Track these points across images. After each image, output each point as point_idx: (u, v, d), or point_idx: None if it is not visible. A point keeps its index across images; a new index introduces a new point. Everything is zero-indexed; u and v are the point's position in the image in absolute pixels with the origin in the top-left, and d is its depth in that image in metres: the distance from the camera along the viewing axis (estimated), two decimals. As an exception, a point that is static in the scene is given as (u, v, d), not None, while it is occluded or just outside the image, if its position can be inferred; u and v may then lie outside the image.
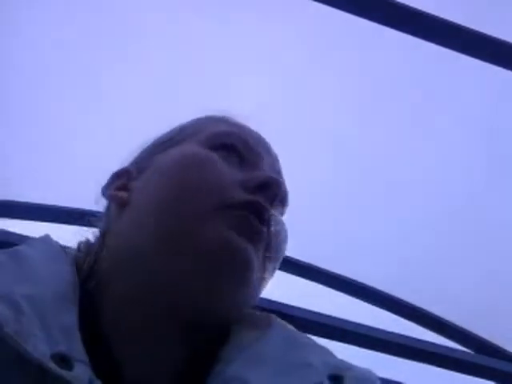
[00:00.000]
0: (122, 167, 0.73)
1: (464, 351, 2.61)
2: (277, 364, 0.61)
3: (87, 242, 0.69)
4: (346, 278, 2.66)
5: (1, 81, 2.22)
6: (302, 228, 2.56)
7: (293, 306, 2.15)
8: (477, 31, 1.89)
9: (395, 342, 2.31)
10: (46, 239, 0.68)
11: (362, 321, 2.34)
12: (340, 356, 0.66)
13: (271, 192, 0.65)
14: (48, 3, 2.20)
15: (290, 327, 0.68)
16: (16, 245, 0.66)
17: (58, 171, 2.35)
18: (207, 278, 0.60)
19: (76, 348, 0.54)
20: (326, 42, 2.31)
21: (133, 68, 2.30)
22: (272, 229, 0.65)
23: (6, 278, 0.58)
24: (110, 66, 2.29)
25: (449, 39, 1.91)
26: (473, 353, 2.63)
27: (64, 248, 0.68)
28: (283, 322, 0.68)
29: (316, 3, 1.90)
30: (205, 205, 0.62)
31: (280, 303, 2.09)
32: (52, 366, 0.51)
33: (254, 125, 0.75)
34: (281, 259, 0.69)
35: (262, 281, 0.66)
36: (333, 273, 2.65)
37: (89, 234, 0.70)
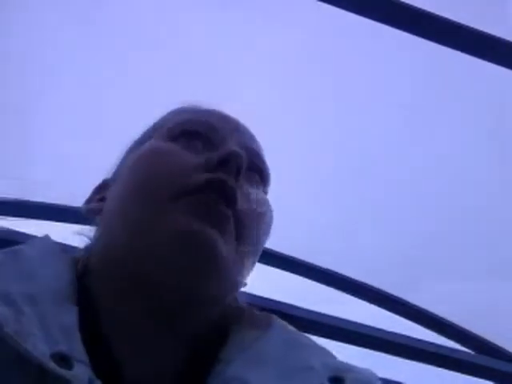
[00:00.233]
0: (102, 179, 0.73)
1: (464, 351, 2.62)
2: (277, 365, 0.61)
3: (86, 241, 0.69)
4: (346, 277, 2.66)
5: (1, 81, 2.22)
6: (302, 227, 2.57)
7: (293, 306, 2.15)
8: (477, 30, 1.89)
9: (395, 342, 2.31)
10: (45, 239, 0.68)
11: (362, 321, 2.34)
12: (340, 356, 0.66)
13: (232, 165, 0.61)
14: (48, 3, 2.20)
15: (290, 327, 0.67)
16: (12, 242, 0.65)
17: (57, 171, 2.35)
18: (172, 270, 0.58)
19: (76, 348, 0.54)
20: (327, 42, 2.31)
21: (133, 68, 2.29)
22: (243, 204, 0.62)
23: (5, 277, 0.58)
24: (110, 66, 2.29)
25: (449, 38, 1.91)
26: (473, 353, 2.64)
27: (64, 247, 0.68)
28: (283, 322, 0.68)
29: (316, 3, 1.90)
30: (163, 195, 0.60)
31: (280, 303, 2.09)
32: (52, 365, 0.51)
33: (247, 122, 0.73)
34: (262, 238, 0.66)
35: (240, 263, 0.63)
36: (333, 272, 2.65)
37: (85, 232, 0.70)
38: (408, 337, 2.37)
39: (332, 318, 2.23)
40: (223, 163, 0.61)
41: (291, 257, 2.57)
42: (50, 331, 0.54)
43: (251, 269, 0.67)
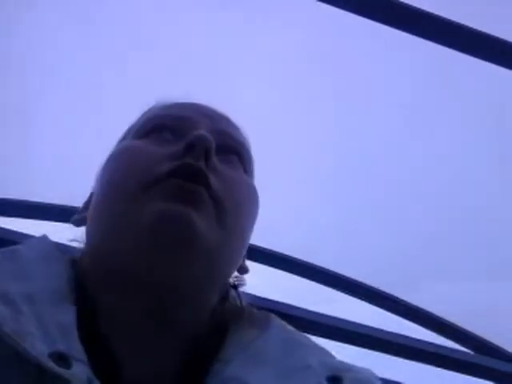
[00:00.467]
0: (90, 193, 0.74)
1: (463, 351, 2.61)
2: (276, 365, 0.60)
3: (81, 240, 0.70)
4: (346, 277, 2.66)
5: (1, 81, 2.22)
6: (302, 227, 2.57)
7: (292, 306, 2.15)
8: (477, 30, 1.89)
9: (395, 342, 2.31)
10: (43, 239, 0.68)
11: (362, 321, 2.34)
12: (340, 356, 0.66)
13: (199, 148, 0.60)
14: (48, 3, 2.20)
15: (289, 327, 0.67)
16: (11, 242, 0.66)
17: (57, 170, 2.35)
18: (151, 255, 0.58)
19: (74, 347, 0.54)
20: (327, 42, 2.31)
21: (133, 68, 2.29)
22: (219, 185, 0.61)
23: (3, 277, 0.58)
24: (110, 66, 2.29)
25: (449, 38, 1.91)
26: (472, 353, 2.64)
27: (62, 247, 0.68)
28: (282, 322, 0.67)
29: (316, 3, 1.90)
30: (133, 187, 0.60)
31: (280, 303, 2.09)
32: (50, 364, 0.51)
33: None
34: (246, 220, 0.64)
35: (225, 245, 0.61)
36: (333, 272, 2.65)
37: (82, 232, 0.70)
38: (407, 337, 2.37)
39: (332, 318, 2.23)
40: (190, 148, 0.60)
41: (291, 257, 2.57)
42: (48, 330, 0.54)
43: (240, 255, 0.66)
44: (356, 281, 2.68)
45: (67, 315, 0.57)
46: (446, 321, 2.71)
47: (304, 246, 2.56)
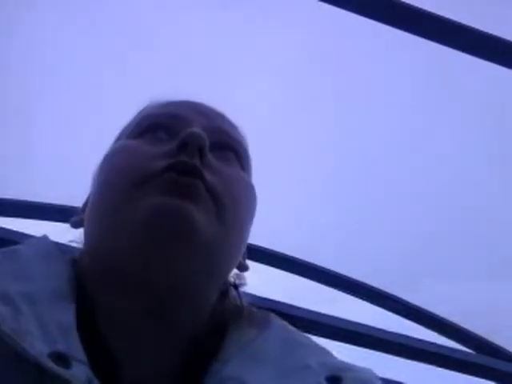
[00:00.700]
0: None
1: (464, 351, 2.61)
2: (275, 365, 0.60)
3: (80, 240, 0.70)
4: (346, 277, 2.66)
5: (1, 81, 2.22)
6: (302, 227, 2.57)
7: (293, 306, 2.15)
8: (477, 30, 1.89)
9: (396, 342, 2.31)
10: (43, 239, 0.68)
11: (362, 321, 2.34)
12: (341, 356, 0.66)
13: (193, 146, 0.59)
14: (48, 3, 2.20)
15: (289, 326, 0.67)
16: (11, 242, 0.65)
17: (57, 170, 2.35)
18: (146, 251, 0.57)
19: (74, 347, 0.54)
20: (327, 42, 2.30)
21: (133, 68, 2.29)
22: (216, 181, 0.60)
23: (3, 276, 0.58)
24: (110, 66, 2.29)
25: (449, 38, 1.91)
26: (473, 353, 2.63)
27: (62, 247, 0.68)
28: (282, 321, 0.67)
29: (317, 3, 1.89)
30: (126, 185, 0.60)
31: (280, 303, 2.09)
32: (50, 364, 0.51)
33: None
34: (244, 216, 0.64)
35: (226, 236, 0.60)
36: (334, 272, 2.65)
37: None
38: (408, 337, 2.37)
39: (332, 318, 2.23)
40: (183, 146, 0.60)
41: (291, 257, 2.57)
42: (47, 330, 0.54)
43: (239, 252, 0.65)
44: (357, 281, 2.68)
45: (67, 315, 0.56)
46: (447, 321, 2.71)
47: (304, 245, 2.56)
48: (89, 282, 0.62)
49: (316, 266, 2.62)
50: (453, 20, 1.88)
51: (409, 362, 2.38)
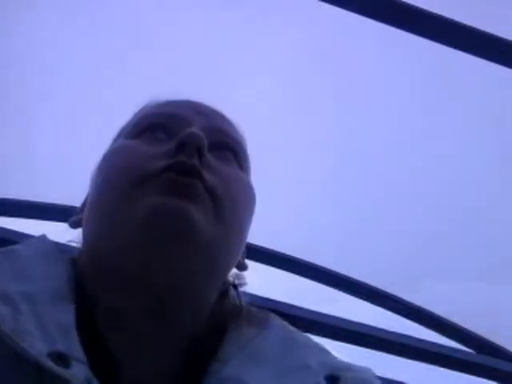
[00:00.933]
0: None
1: (465, 351, 2.61)
2: (274, 364, 0.60)
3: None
4: (346, 277, 2.66)
5: (1, 81, 2.22)
6: (302, 227, 2.57)
7: (293, 306, 2.15)
8: (477, 30, 1.89)
9: (396, 342, 2.31)
10: (42, 239, 0.68)
11: (362, 321, 2.34)
12: (341, 356, 0.66)
13: (191, 146, 0.59)
14: (48, 3, 2.20)
15: (289, 326, 0.67)
16: (11, 242, 0.65)
17: (57, 170, 2.35)
18: (145, 251, 0.57)
19: (73, 346, 0.54)
20: (327, 42, 2.30)
21: (133, 68, 2.29)
22: (215, 181, 0.60)
23: (2, 276, 0.58)
24: (110, 66, 2.29)
25: (449, 38, 1.91)
26: (474, 353, 2.63)
27: (62, 247, 0.68)
28: (281, 321, 0.67)
29: (317, 3, 1.89)
30: (125, 184, 0.60)
31: (280, 303, 2.09)
32: (49, 364, 0.51)
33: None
34: (243, 216, 0.64)
35: (224, 236, 0.60)
36: (334, 272, 2.65)
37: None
38: (409, 336, 2.37)
39: (332, 318, 2.23)
40: (182, 146, 0.60)
41: (291, 257, 2.57)
42: (47, 330, 0.54)
43: (238, 251, 0.65)
44: (357, 281, 2.68)
45: (67, 315, 0.56)
46: (448, 321, 2.71)
47: (304, 245, 2.56)
48: (88, 281, 0.62)
49: (316, 265, 2.62)
50: (453, 20, 1.88)
51: (410, 361, 2.38)
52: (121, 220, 0.58)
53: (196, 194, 0.58)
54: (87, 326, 0.58)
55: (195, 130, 0.61)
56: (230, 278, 0.68)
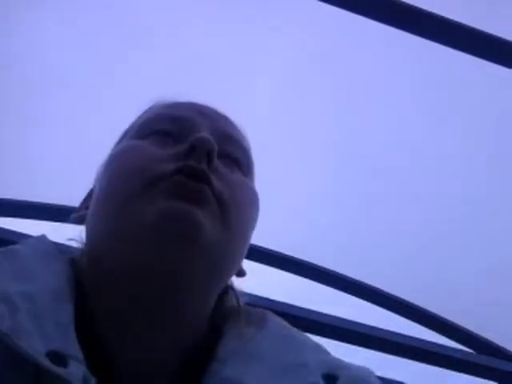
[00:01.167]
0: (89, 189, 0.73)
1: (465, 351, 2.61)
2: (272, 364, 0.60)
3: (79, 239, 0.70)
4: (346, 277, 2.66)
5: (1, 81, 2.22)
6: (302, 227, 2.56)
7: (293, 306, 2.15)
8: (477, 30, 1.89)
9: (397, 342, 2.31)
10: (41, 238, 0.68)
11: (362, 321, 2.34)
12: (341, 356, 0.66)
13: (201, 150, 0.60)
14: (48, 3, 2.20)
15: (286, 324, 0.67)
16: (11, 242, 0.66)
17: (57, 170, 2.35)
18: (153, 254, 0.57)
19: (71, 346, 0.54)
20: (327, 42, 2.30)
21: (134, 68, 2.29)
22: (222, 187, 0.61)
23: (1, 276, 0.58)
24: (114, 67, 2.29)
25: (449, 38, 1.91)
26: (474, 353, 2.63)
27: (61, 247, 0.68)
28: (279, 319, 0.67)
29: (317, 3, 1.89)
30: (135, 187, 0.60)
31: (280, 303, 2.09)
32: (47, 363, 0.51)
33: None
34: (248, 223, 0.65)
35: (228, 242, 0.61)
36: (334, 272, 2.65)
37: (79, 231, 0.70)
38: (409, 337, 2.37)
39: (332, 318, 2.23)
40: (192, 151, 0.60)
41: (291, 257, 2.57)
42: (45, 329, 0.54)
43: (241, 258, 0.66)
44: (357, 281, 2.68)
45: (65, 314, 0.57)
46: (448, 320, 2.71)
47: (304, 245, 2.56)
48: (89, 281, 0.62)
49: (316, 265, 2.62)
50: (453, 20, 1.88)
51: (409, 361, 2.37)
52: (129, 221, 0.59)
53: (204, 199, 0.59)
54: (86, 325, 0.58)
55: (206, 135, 0.62)
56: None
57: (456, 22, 1.88)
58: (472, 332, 2.70)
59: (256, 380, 0.58)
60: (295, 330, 0.67)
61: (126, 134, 0.71)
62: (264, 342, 0.62)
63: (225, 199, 0.60)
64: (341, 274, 2.65)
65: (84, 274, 0.63)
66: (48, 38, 2.25)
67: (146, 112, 0.72)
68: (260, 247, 2.42)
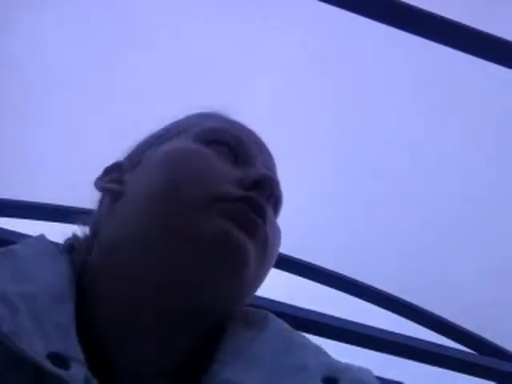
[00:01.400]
0: (114, 161, 0.73)
1: (466, 352, 2.61)
2: (272, 366, 0.60)
3: (79, 239, 0.69)
4: (346, 277, 2.66)
5: (1, 80, 2.22)
6: (302, 227, 2.56)
7: (293, 306, 2.14)
8: (477, 30, 1.88)
9: (397, 342, 2.31)
10: (41, 238, 0.67)
11: (363, 321, 2.34)
12: (340, 356, 0.65)
13: (266, 190, 0.64)
14: (48, 3, 2.20)
15: (286, 326, 0.67)
16: (10, 242, 0.65)
17: (57, 170, 2.35)
18: (203, 270, 0.59)
19: (72, 347, 0.54)
20: (327, 42, 2.30)
21: (134, 68, 2.29)
22: (268, 226, 0.64)
23: (1, 277, 0.58)
24: (114, 67, 2.29)
25: (449, 38, 1.91)
26: (474, 353, 2.63)
27: (59, 247, 0.68)
28: (280, 321, 0.67)
29: (317, 3, 1.89)
30: (199, 196, 0.61)
31: (280, 303, 2.09)
32: (48, 365, 0.51)
33: (248, 122, 0.74)
34: (274, 260, 0.68)
35: (257, 278, 0.65)
36: (334, 272, 2.65)
37: (79, 231, 0.70)
38: (409, 337, 2.36)
39: (332, 318, 2.23)
40: (257, 185, 0.63)
41: (291, 257, 2.57)
42: (46, 331, 0.54)
43: (256, 291, 0.69)
44: (357, 281, 2.68)
45: (66, 315, 0.56)
46: (448, 321, 2.70)
47: (304, 245, 2.56)
48: (94, 282, 0.61)
49: (316, 265, 2.62)
50: (453, 20, 1.88)
51: (409, 362, 2.37)
52: (187, 229, 0.60)
53: (258, 234, 0.62)
54: (87, 326, 0.57)
55: (274, 176, 0.68)
56: None
57: (456, 22, 1.88)
58: (472, 332, 2.69)
59: (256, 382, 0.58)
60: (295, 331, 0.67)
61: (179, 133, 0.70)
62: (265, 344, 0.62)
63: (269, 240, 0.64)
64: (341, 274, 2.65)
65: (93, 274, 0.62)
66: (48, 38, 2.24)
67: (203, 119, 0.72)
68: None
